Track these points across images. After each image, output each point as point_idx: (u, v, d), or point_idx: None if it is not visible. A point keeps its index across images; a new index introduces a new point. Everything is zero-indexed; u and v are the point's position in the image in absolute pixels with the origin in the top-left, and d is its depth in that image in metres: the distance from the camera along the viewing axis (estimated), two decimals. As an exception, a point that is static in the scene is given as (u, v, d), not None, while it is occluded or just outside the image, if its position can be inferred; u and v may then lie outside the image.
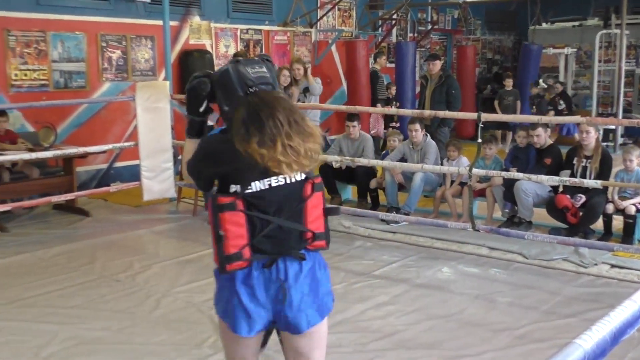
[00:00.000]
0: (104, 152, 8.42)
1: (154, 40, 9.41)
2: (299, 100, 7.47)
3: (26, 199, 7.22)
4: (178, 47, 9.73)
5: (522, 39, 15.83)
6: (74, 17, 8.54)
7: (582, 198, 6.25)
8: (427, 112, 7.21)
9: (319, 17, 12.07)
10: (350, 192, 8.18)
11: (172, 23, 8.27)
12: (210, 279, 4.99)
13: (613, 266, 5.53)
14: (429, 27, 14.56)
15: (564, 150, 6.80)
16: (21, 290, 5.12)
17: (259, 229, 2.43)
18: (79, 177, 8.05)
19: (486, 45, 16.72)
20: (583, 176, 6.27)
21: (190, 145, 2.66)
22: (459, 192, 7.07)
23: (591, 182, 5.76)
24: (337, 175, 7.75)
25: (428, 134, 7.49)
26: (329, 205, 2.61)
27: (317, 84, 7.57)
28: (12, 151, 7.12)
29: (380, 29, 13.47)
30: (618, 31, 12.25)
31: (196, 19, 10.07)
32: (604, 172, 6.29)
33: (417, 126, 7.27)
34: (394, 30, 13.84)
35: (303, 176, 2.50)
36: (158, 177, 7.15)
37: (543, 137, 6.79)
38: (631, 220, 6.13)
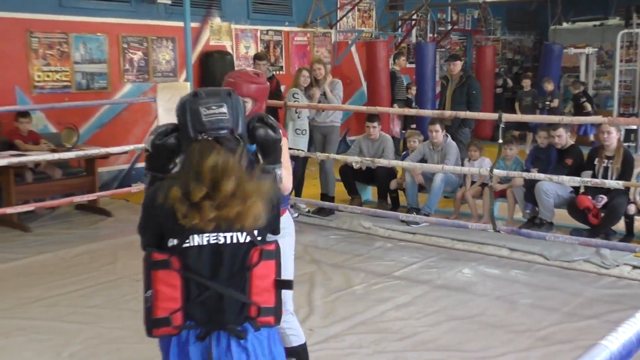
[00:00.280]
0: (126, 152, 8.48)
1: (175, 42, 9.47)
2: (319, 101, 7.47)
3: (49, 199, 7.29)
4: (199, 49, 9.77)
5: (543, 38, 15.73)
6: (96, 19, 8.61)
7: (603, 199, 6.19)
8: (448, 113, 7.19)
9: (338, 18, 12.07)
10: (370, 192, 8.17)
11: (193, 24, 8.29)
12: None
13: (635, 267, 5.47)
14: (449, 27, 14.51)
15: (584, 150, 6.75)
16: (43, 289, 5.18)
17: (194, 294, 2.17)
18: (100, 177, 8.12)
19: (506, 45, 16.63)
20: (604, 177, 6.22)
21: None
22: (479, 193, 7.04)
23: (613, 183, 5.72)
24: (357, 176, 7.75)
25: (448, 135, 7.47)
26: (283, 279, 2.29)
27: (335, 97, 7.57)
28: (35, 152, 7.20)
29: (400, 30, 13.44)
30: (639, 30, 12.13)
31: (217, 20, 10.12)
32: (625, 172, 6.23)
33: (438, 127, 7.25)
34: (414, 31, 13.80)
35: (247, 238, 2.21)
36: (179, 177, 7.19)
37: (564, 138, 6.74)
38: (654, 222, 6.07)
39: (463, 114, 7.09)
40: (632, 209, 6.15)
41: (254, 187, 2.17)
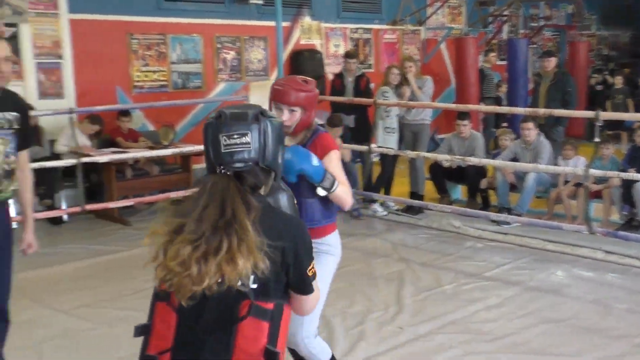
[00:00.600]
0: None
1: (267, 41, 9.66)
2: (409, 99, 7.45)
3: (147, 194, 7.59)
4: (289, 47, 9.92)
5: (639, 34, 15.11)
6: (192, 20, 8.89)
7: None
8: (542, 111, 7.04)
9: (428, 15, 11.99)
10: (459, 191, 8.10)
11: (284, 24, 8.45)
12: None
13: None
14: (542, 23, 14.15)
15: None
16: (143, 281, 5.36)
17: (180, 337, 1.91)
18: (195, 174, 8.36)
19: (601, 41, 16.06)
20: None
21: None
22: (573, 193, 6.86)
23: None
24: (447, 175, 7.70)
25: (541, 133, 7.31)
26: (271, 349, 1.86)
27: (424, 94, 7.53)
28: (134, 149, 7.52)
29: (490, 26, 13.21)
30: None
31: (307, 20, 10.24)
32: None
33: (531, 125, 7.11)
34: (505, 27, 13.54)
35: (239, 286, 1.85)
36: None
37: (665, 137, 6.49)
38: None
39: (558, 111, 6.92)
40: None
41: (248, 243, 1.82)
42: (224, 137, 1.93)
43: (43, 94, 7.66)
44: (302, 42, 10.23)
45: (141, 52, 8.47)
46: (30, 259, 5.52)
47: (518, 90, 11.80)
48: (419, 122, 7.65)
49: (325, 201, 2.95)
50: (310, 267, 1.98)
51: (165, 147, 7.74)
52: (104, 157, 7.02)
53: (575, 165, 6.69)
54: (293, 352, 3.03)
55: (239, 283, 1.82)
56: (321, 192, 2.84)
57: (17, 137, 3.25)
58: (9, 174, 3.26)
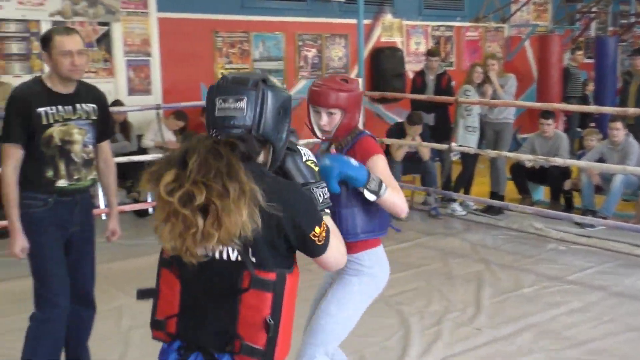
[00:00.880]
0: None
1: (347, 39, 9.69)
2: (492, 97, 7.34)
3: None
4: (370, 45, 9.93)
5: None
6: (275, 18, 9.02)
7: None
8: (632, 110, 6.81)
9: (512, 12, 11.75)
10: (542, 192, 7.92)
11: (366, 21, 8.47)
12: (399, 274, 5.11)
13: None
14: (632, 20, 13.63)
15: None
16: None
17: (185, 304, 1.91)
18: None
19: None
20: None
21: None
22: (663, 196, 6.61)
23: None
24: (529, 175, 7.54)
25: (630, 134, 7.07)
26: (269, 321, 1.80)
27: (506, 93, 7.40)
28: (216, 144, 7.67)
29: (577, 23, 12.84)
30: None
31: (388, 17, 10.22)
32: None
33: (619, 125, 6.89)
34: (593, 24, 13.12)
35: (238, 257, 1.80)
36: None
37: None
38: None
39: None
40: None
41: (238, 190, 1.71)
42: (220, 100, 1.86)
43: (132, 91, 7.94)
44: (383, 39, 10.21)
45: (225, 50, 8.66)
46: (118, 249, 5.78)
47: (606, 89, 11.41)
48: (501, 121, 7.53)
49: (367, 212, 2.64)
50: (313, 232, 1.86)
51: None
52: (188, 152, 7.19)
53: (666, 167, 6.44)
54: None
55: (235, 253, 1.79)
56: (369, 195, 2.48)
57: (95, 127, 3.34)
58: (88, 163, 3.35)
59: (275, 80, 1.96)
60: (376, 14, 10.03)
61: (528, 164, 7.24)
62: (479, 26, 11.40)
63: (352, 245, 2.60)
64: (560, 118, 10.68)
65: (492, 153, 7.06)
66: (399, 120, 8.66)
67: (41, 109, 3.16)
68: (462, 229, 6.90)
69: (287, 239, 1.84)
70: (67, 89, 3.25)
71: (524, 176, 7.57)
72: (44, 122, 3.17)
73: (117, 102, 7.40)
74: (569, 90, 11.03)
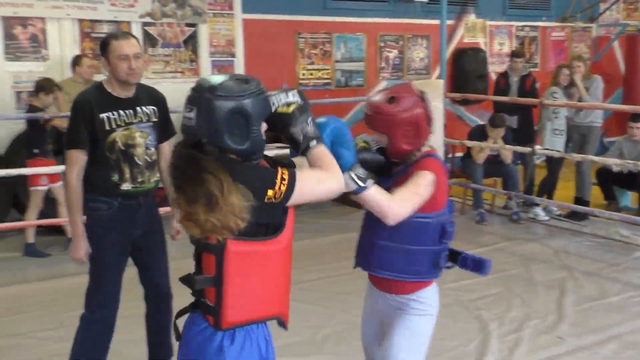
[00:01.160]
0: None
1: (430, 39, 9.62)
2: (579, 100, 7.14)
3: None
4: (452, 46, 9.82)
5: None
6: (357, 19, 9.04)
7: None
8: None
9: (601, 11, 11.39)
10: (629, 198, 7.66)
11: (449, 22, 8.38)
12: (479, 279, 5.04)
13: None
14: None
15: None
16: (301, 273, 5.55)
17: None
18: (353, 170, 8.51)
19: None
20: None
21: None
22: None
23: None
24: (616, 180, 7.31)
25: None
26: (206, 277, 2.00)
27: (591, 95, 7.17)
28: (297, 144, 7.76)
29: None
30: None
31: (472, 17, 10.09)
32: None
33: None
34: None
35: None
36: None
37: None
38: None
39: None
40: None
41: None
42: (186, 110, 1.97)
43: (216, 90, 8.11)
44: (466, 40, 10.08)
45: (307, 51, 8.74)
46: (190, 248, 5.91)
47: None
48: (588, 124, 7.32)
49: (413, 252, 2.47)
50: (267, 196, 1.93)
51: (326, 143, 7.92)
52: (269, 152, 7.29)
53: None
54: None
55: None
56: (351, 183, 2.23)
57: (156, 129, 3.39)
58: (151, 166, 3.40)
59: (232, 86, 1.94)
60: (459, 15, 9.91)
61: (615, 169, 7.01)
62: (566, 26, 11.10)
63: (417, 283, 2.52)
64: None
65: (577, 157, 6.87)
66: (481, 122, 8.53)
67: (103, 115, 3.21)
68: (544, 234, 6.75)
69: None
70: (127, 93, 3.29)
71: (611, 181, 7.35)
72: (107, 127, 3.22)
73: (201, 102, 7.58)
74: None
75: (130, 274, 3.54)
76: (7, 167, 6.00)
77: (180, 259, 5.67)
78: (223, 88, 1.93)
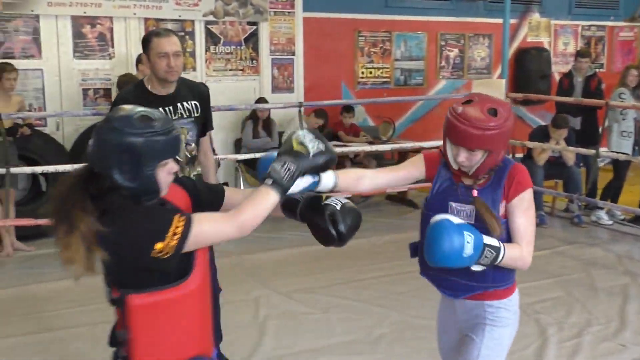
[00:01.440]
0: (437, 147, 8.71)
1: (492, 38, 9.48)
2: (645, 102, 6.94)
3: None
4: (515, 45, 9.66)
5: None
6: (418, 18, 8.98)
7: None
8: None
9: (673, 10, 11.02)
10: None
11: (512, 21, 8.25)
12: (538, 282, 4.96)
13: None
14: None
15: None
16: (355, 272, 5.56)
17: None
18: (411, 170, 8.45)
19: None
20: None
21: None
22: None
23: None
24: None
25: None
26: (115, 333, 1.97)
27: None
28: (354, 143, 7.78)
29: None
30: None
31: (535, 16, 9.90)
32: None
33: None
34: None
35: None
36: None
37: None
38: None
39: None
40: None
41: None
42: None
43: (276, 88, 8.18)
44: (529, 39, 9.90)
45: (367, 49, 8.73)
46: (255, 242, 5.98)
47: None
48: (656, 127, 7.10)
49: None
50: (155, 250, 1.84)
51: (384, 142, 7.91)
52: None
53: None
54: None
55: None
56: (477, 268, 2.23)
57: (196, 125, 3.42)
58: (192, 161, 3.43)
59: (129, 121, 1.88)
60: (523, 13, 9.75)
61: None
62: (635, 26, 10.79)
63: (503, 291, 2.40)
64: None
65: (644, 160, 6.68)
66: (543, 123, 8.37)
67: None
68: (607, 239, 6.58)
69: (128, 261, 1.88)
70: (167, 90, 3.33)
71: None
72: None
73: (261, 100, 7.66)
74: None
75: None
76: (73, 162, 6.18)
77: (239, 254, 5.78)
78: (118, 121, 1.89)
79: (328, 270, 5.57)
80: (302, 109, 7.02)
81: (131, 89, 3.46)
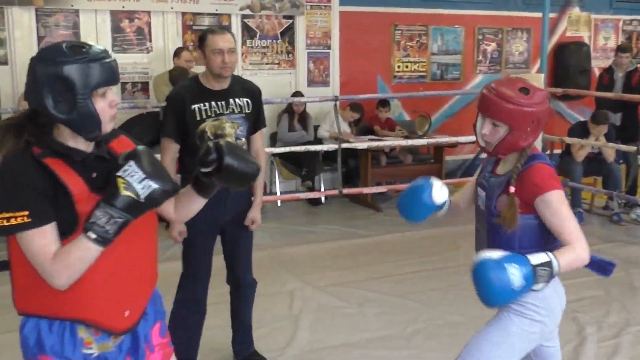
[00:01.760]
0: (473, 142, 8.64)
1: (530, 33, 9.37)
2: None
3: (398, 182, 7.77)
4: (554, 39, 9.52)
5: None
6: (455, 12, 8.90)
7: None
8: None
9: None
10: None
11: (551, 15, 8.13)
12: (576, 280, 4.89)
13: None
14: None
15: None
16: (392, 267, 5.56)
17: None
18: (447, 165, 8.41)
19: None
20: None
21: None
22: None
23: None
24: None
25: None
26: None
27: None
28: (390, 137, 7.75)
29: None
30: None
31: (575, 10, 9.74)
32: None
33: None
34: None
35: None
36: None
37: None
38: None
39: None
40: None
41: None
42: None
43: (311, 82, 8.18)
44: (569, 34, 9.74)
45: (403, 43, 8.68)
46: (292, 235, 6.00)
47: None
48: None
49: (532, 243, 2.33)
50: None
51: (420, 137, 7.87)
52: (362, 143, 7.33)
53: None
54: None
55: None
56: (538, 287, 2.16)
57: (247, 120, 3.48)
58: None
59: (57, 50, 1.82)
60: (562, 7, 9.60)
61: None
62: (677, 20, 10.55)
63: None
64: None
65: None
66: (582, 119, 8.25)
67: (195, 106, 3.36)
68: (647, 237, 6.47)
69: None
70: (221, 85, 3.42)
71: None
72: (198, 117, 3.36)
73: (297, 93, 7.67)
74: None
75: (222, 262, 3.65)
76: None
77: (275, 247, 5.81)
78: (48, 50, 1.85)
79: (364, 265, 5.57)
80: (338, 102, 7.02)
81: (187, 83, 3.57)
